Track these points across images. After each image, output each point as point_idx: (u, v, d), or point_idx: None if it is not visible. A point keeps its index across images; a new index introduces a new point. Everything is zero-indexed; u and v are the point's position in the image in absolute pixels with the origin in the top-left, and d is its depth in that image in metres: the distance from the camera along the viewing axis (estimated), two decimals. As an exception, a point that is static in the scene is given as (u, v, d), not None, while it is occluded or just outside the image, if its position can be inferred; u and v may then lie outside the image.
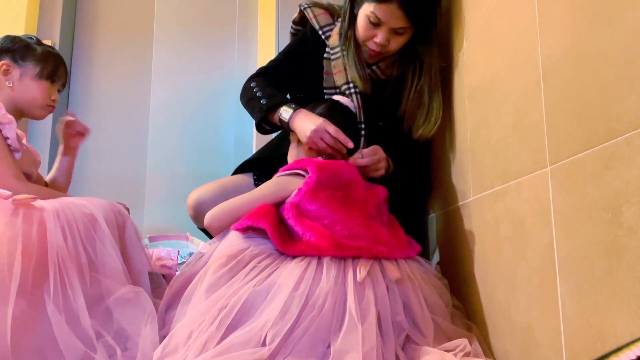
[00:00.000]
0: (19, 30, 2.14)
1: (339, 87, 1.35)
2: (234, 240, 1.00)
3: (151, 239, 2.03)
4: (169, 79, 2.37)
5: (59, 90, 1.39)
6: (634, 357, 0.32)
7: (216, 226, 1.09)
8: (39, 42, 1.37)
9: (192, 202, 1.42)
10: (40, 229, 0.94)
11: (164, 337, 0.89)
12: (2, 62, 1.30)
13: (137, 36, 2.41)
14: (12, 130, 1.18)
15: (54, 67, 1.35)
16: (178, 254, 1.50)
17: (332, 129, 1.16)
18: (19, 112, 1.32)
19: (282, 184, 1.11)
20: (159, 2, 2.43)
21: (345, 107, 1.27)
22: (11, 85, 1.29)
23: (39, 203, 1.00)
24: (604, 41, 0.56)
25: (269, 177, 1.19)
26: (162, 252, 1.48)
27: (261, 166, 1.45)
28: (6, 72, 1.30)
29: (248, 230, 1.01)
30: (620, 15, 0.53)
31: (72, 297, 0.91)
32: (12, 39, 1.33)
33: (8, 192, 0.98)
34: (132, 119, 2.35)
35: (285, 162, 1.23)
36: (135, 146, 2.33)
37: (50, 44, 2.20)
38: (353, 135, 1.23)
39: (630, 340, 0.34)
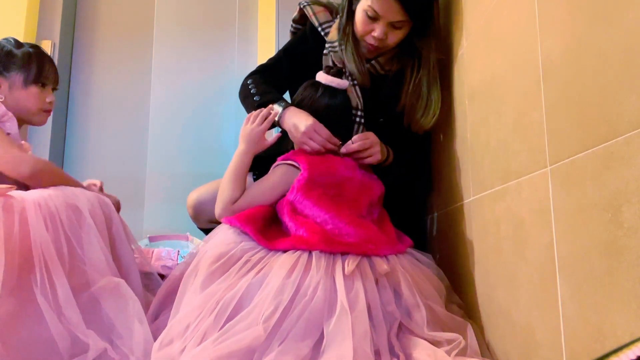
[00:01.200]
0: (19, 30, 2.13)
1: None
2: (225, 236, 1.02)
3: (151, 239, 2.03)
4: (169, 79, 2.37)
5: (53, 89, 1.32)
6: (634, 357, 0.32)
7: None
8: (18, 44, 1.28)
9: (192, 202, 1.42)
10: (22, 221, 0.93)
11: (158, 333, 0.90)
12: None
13: (137, 36, 2.41)
14: (13, 126, 1.18)
15: (38, 69, 1.26)
16: (178, 254, 1.50)
17: (324, 132, 1.16)
18: (19, 121, 1.27)
19: (287, 174, 1.13)
20: (159, 2, 2.43)
21: (330, 89, 1.22)
22: (3, 99, 1.23)
23: (18, 194, 0.98)
24: (604, 41, 0.56)
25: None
26: (162, 252, 1.48)
27: (261, 165, 1.45)
28: None
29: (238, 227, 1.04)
30: (620, 15, 0.53)
31: (58, 288, 0.91)
32: None
33: None
34: (132, 119, 2.35)
35: None
36: (135, 146, 2.32)
37: (50, 44, 2.21)
38: (341, 118, 1.23)
39: (630, 340, 0.34)
